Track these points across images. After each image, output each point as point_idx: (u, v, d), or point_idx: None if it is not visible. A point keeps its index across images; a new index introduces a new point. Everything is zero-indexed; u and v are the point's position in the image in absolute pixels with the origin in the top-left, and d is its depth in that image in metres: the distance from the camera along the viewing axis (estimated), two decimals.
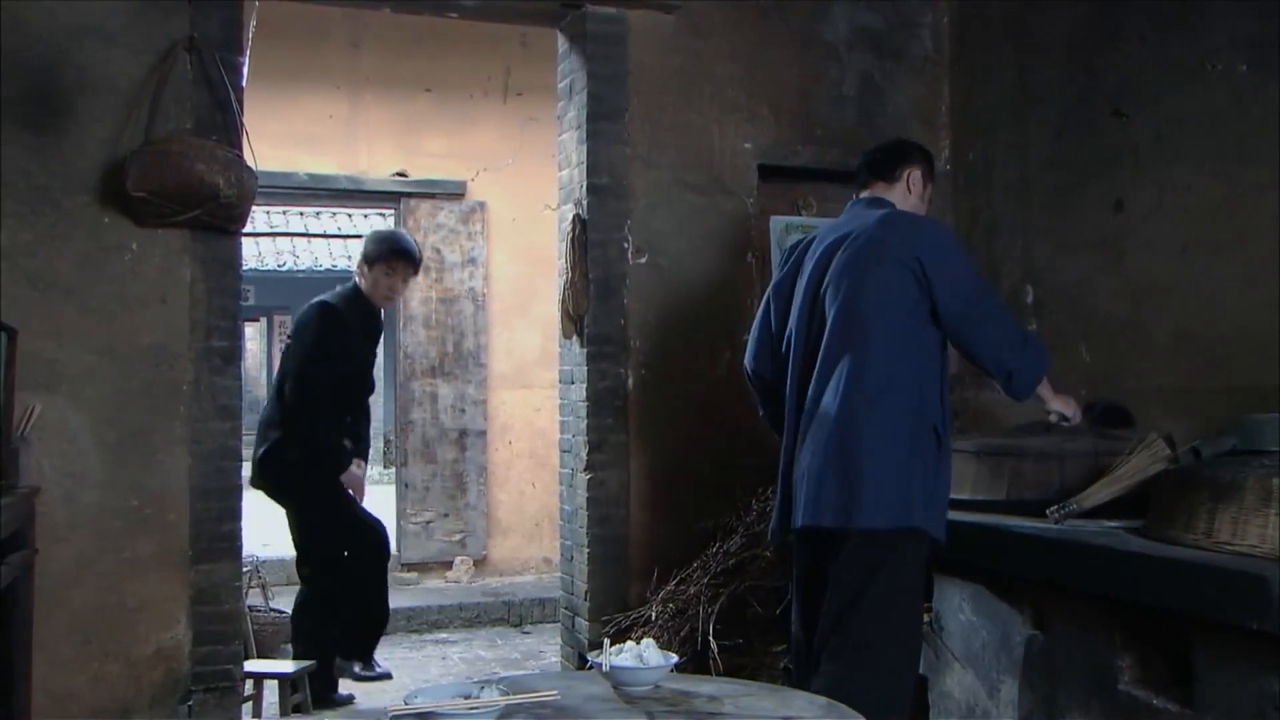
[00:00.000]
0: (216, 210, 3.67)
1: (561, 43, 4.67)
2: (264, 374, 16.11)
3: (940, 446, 2.91)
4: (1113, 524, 2.86)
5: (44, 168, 3.68)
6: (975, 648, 3.16)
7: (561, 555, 4.75)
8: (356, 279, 4.83)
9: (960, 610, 3.22)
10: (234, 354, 3.88)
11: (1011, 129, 4.51)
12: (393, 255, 4.73)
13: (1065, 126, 4.23)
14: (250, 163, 3.81)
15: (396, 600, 6.56)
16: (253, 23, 3.95)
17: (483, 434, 7.24)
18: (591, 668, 2.16)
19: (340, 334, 4.64)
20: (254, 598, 5.19)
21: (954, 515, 3.16)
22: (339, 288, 4.89)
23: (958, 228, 4.82)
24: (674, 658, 2.20)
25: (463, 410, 7.19)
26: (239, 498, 3.85)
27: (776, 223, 4.65)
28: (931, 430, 2.87)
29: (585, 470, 4.39)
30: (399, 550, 7.14)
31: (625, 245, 4.42)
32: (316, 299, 4.76)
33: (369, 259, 4.76)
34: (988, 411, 4.37)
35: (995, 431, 3.73)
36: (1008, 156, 4.54)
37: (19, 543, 3.41)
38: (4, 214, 3.64)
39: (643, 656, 2.14)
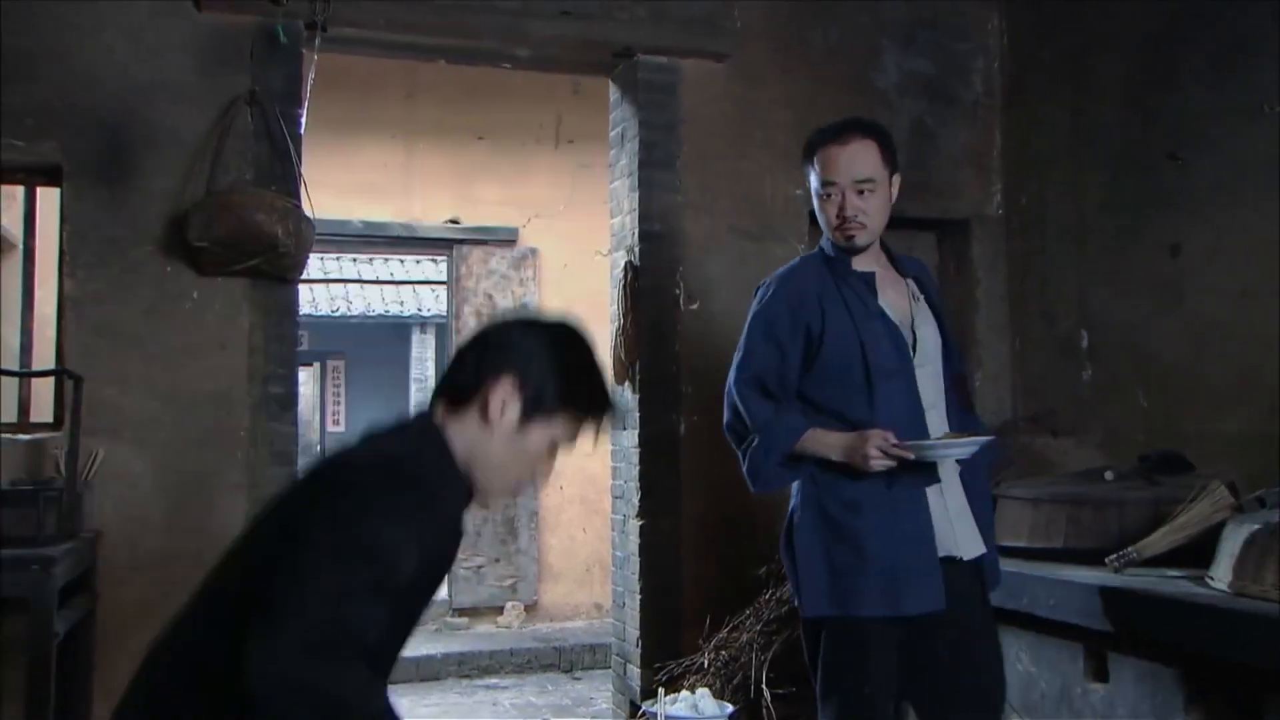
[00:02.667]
0: (275, 259, 3.74)
1: (613, 91, 4.73)
2: (317, 418, 16.38)
3: (841, 527, 2.55)
4: (1174, 573, 2.80)
5: (112, 219, 3.78)
6: (1034, 698, 3.10)
7: (613, 601, 4.73)
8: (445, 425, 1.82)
9: (1018, 660, 3.16)
10: (291, 400, 3.94)
11: (1066, 172, 4.49)
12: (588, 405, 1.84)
13: (1121, 170, 4.20)
14: (308, 212, 3.89)
15: (448, 645, 6.58)
16: (311, 75, 4.04)
17: None
18: (645, 715, 2.15)
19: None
20: None
21: (1010, 565, 3.12)
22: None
23: (1010, 272, 4.79)
24: (729, 707, 2.19)
25: None
26: None
27: None
28: (819, 512, 2.59)
29: (637, 516, 4.38)
30: (450, 595, 7.16)
31: (677, 292, 4.44)
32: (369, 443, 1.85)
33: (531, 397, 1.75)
34: (1043, 458, 4.32)
35: (1052, 479, 3.68)
36: (1062, 200, 4.52)
37: (82, 586, 3.48)
38: (75, 265, 3.75)
39: (698, 706, 2.14)
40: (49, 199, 4.00)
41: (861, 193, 2.58)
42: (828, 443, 2.55)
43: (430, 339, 15.81)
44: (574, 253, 7.24)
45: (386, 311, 15.31)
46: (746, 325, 2.72)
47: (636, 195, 4.45)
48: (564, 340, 1.76)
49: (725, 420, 2.76)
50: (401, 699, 5.68)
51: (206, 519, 3.78)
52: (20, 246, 4.13)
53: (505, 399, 1.65)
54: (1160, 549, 2.86)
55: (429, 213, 7.24)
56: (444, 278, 9.21)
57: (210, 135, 3.85)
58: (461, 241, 7.23)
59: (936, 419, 2.63)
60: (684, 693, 2.16)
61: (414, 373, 16.09)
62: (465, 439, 1.67)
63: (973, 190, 4.84)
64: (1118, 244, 4.22)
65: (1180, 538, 2.86)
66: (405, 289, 15.44)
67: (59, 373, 3.71)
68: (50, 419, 3.87)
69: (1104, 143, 4.29)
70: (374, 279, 15.33)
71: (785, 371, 2.65)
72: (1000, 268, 4.81)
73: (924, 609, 2.50)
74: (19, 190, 4.15)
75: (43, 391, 4.04)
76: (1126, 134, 4.18)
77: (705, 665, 3.97)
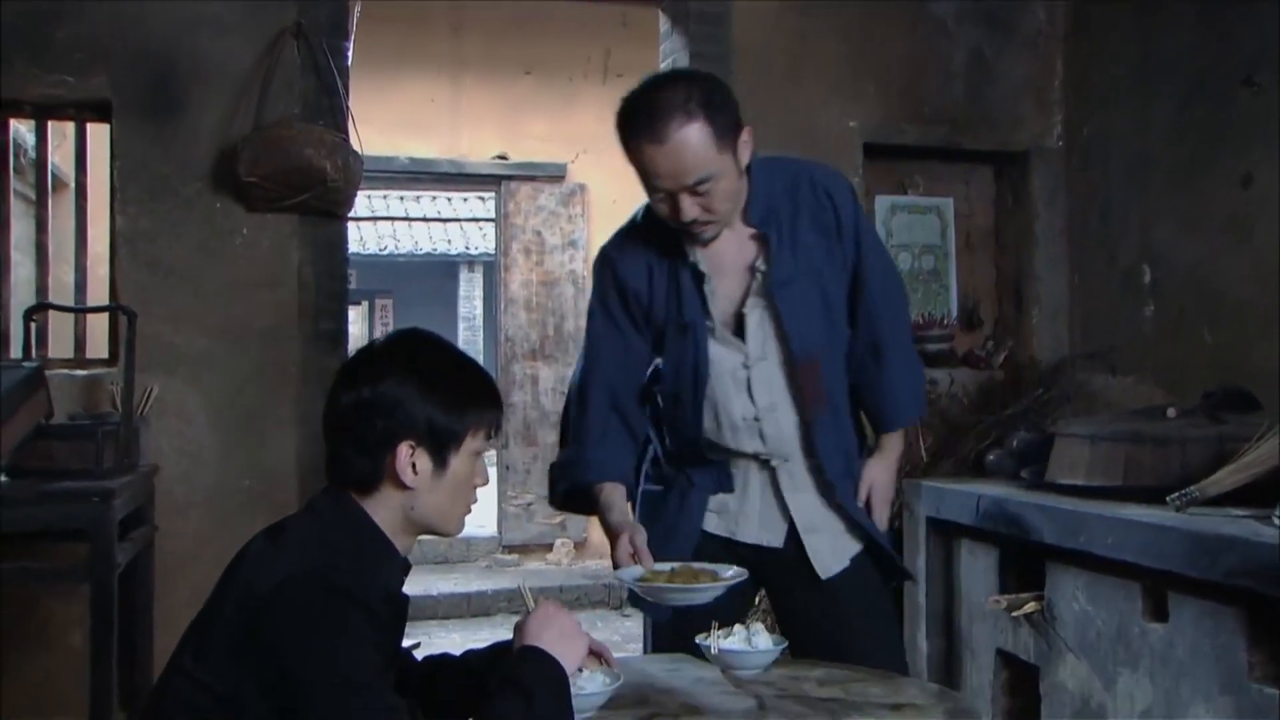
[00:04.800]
0: (324, 194, 3.73)
1: (663, 23, 4.63)
2: None
3: None
4: (1239, 513, 2.74)
5: (162, 156, 3.78)
6: (1090, 638, 3.06)
7: None
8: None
9: (1074, 598, 3.12)
10: (341, 336, 3.95)
11: (1131, 103, 4.35)
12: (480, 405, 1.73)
13: (1191, 98, 4.06)
14: (356, 147, 3.86)
15: (497, 581, 6.66)
16: (357, 8, 3.99)
17: None
18: (697, 650, 2.14)
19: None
20: None
21: (1067, 502, 3.07)
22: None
23: (1070, 206, 4.67)
24: (784, 642, 2.17)
25: (563, 393, 7.22)
26: None
27: (883, 202, 4.57)
28: None
29: None
30: (500, 532, 7.23)
31: None
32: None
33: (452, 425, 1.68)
34: (1102, 396, 4.24)
35: (1111, 416, 3.61)
36: (1127, 131, 4.38)
37: (140, 519, 3.53)
38: (126, 201, 3.76)
39: (752, 640, 2.12)
40: (99, 136, 4.00)
41: (699, 192, 2.09)
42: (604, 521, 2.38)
43: (478, 277, 15.84)
44: (623, 188, 7.07)
45: (434, 250, 15.33)
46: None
47: None
48: (418, 359, 1.66)
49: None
50: (452, 634, 5.77)
51: (259, 454, 3.82)
52: (72, 184, 4.15)
53: (412, 461, 1.61)
54: (1224, 488, 2.79)
55: (476, 149, 7.20)
56: (492, 215, 9.19)
57: (257, 69, 3.82)
58: (509, 178, 7.20)
59: (782, 421, 2.34)
60: (737, 627, 2.15)
61: (462, 311, 16.17)
62: (393, 509, 1.64)
63: (1032, 122, 4.71)
64: (1185, 176, 4.09)
65: (1245, 477, 2.79)
66: (453, 226, 15.45)
67: (113, 308, 3.73)
68: (105, 355, 3.91)
69: (1172, 71, 4.14)
70: (421, 216, 15.34)
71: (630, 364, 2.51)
72: (1059, 202, 4.69)
73: None
74: (69, 128, 4.16)
75: (97, 328, 4.08)
76: (1196, 61, 4.02)
77: (757, 601, 3.96)
